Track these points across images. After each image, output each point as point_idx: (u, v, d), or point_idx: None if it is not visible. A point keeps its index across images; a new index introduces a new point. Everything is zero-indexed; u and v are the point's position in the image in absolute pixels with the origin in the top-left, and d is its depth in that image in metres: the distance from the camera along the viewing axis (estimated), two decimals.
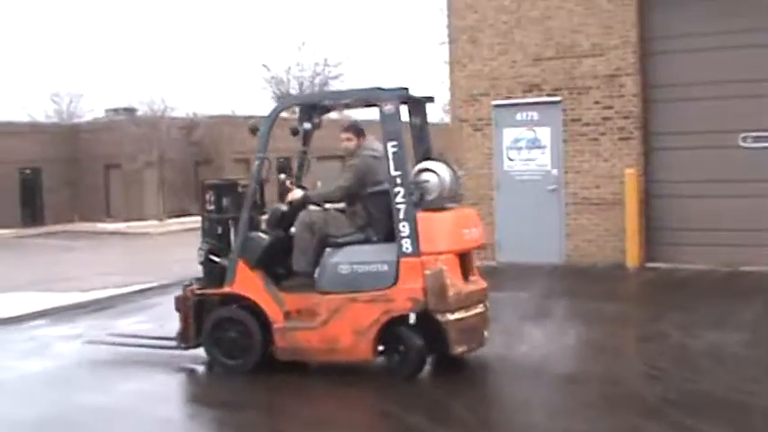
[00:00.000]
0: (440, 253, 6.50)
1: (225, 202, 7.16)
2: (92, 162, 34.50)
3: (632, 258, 11.47)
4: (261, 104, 45.69)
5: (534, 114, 12.31)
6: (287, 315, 6.87)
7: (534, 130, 12.30)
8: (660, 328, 7.95)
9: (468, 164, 12.41)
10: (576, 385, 6.41)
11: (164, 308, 9.97)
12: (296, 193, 7.07)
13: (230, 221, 7.17)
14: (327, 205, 7.17)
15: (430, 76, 75.30)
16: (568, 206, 12.05)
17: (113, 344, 7.80)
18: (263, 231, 7.07)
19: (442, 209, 6.73)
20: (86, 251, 23.01)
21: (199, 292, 7.16)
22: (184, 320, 7.23)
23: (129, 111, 34.93)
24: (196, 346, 7.17)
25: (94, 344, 7.94)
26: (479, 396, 6.41)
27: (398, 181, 6.50)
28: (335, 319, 6.64)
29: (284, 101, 7.01)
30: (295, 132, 7.46)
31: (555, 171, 12.21)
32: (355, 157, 6.98)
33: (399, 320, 6.53)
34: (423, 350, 6.49)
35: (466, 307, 6.62)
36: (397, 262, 6.51)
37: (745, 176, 10.86)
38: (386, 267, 6.55)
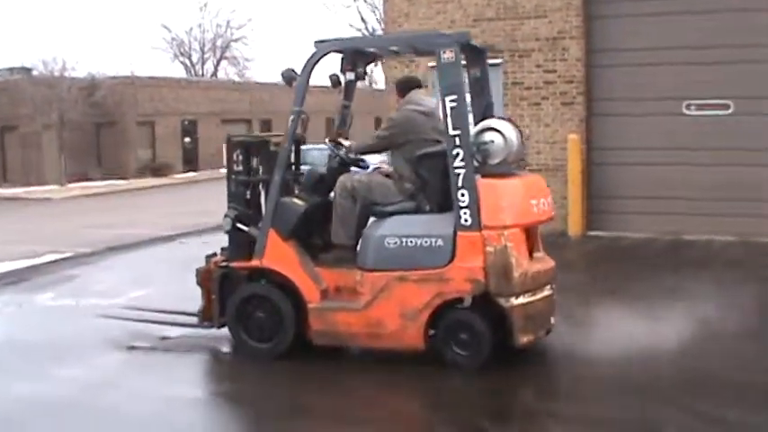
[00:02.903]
0: (505, 227, 5.56)
1: (254, 162, 6.25)
2: None
3: (574, 226, 11.03)
4: (160, 65, 44.36)
5: None
6: (324, 294, 6.00)
7: None
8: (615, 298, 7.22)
9: None
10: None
11: (83, 280, 9.43)
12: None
13: (260, 185, 6.27)
14: (372, 169, 6.25)
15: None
16: None
17: (129, 319, 6.98)
18: (297, 197, 6.16)
19: (508, 175, 5.77)
20: None
21: (224, 264, 6.29)
22: (207, 297, 6.38)
23: (26, 70, 32.85)
24: (221, 326, 6.32)
25: (109, 318, 7.11)
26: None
27: (457, 141, 5.56)
28: (380, 300, 5.75)
29: (324, 46, 5.99)
30: (336, 83, 6.50)
31: None
32: (396, 111, 6.05)
33: (455, 304, 5.64)
34: (490, 339, 5.59)
35: (532, 290, 5.69)
36: (454, 236, 5.60)
37: (688, 144, 10.61)
38: (441, 242, 5.63)
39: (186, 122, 33.69)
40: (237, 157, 6.24)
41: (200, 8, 54.41)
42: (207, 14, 59.18)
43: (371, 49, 6.45)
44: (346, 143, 6.29)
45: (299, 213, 6.05)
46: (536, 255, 5.93)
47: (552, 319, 5.97)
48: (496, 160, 5.68)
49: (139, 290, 8.61)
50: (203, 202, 19.20)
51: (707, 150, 10.52)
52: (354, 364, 6.06)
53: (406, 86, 6.18)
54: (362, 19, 47.39)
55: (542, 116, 11.38)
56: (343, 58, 6.29)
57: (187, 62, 47.69)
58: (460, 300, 5.66)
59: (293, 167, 6.35)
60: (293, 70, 5.98)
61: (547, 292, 5.86)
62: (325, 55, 5.98)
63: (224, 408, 5.52)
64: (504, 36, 11.50)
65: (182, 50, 47.06)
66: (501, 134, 5.68)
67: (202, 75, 46.32)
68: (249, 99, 37.13)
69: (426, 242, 5.67)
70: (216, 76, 46.01)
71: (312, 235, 6.25)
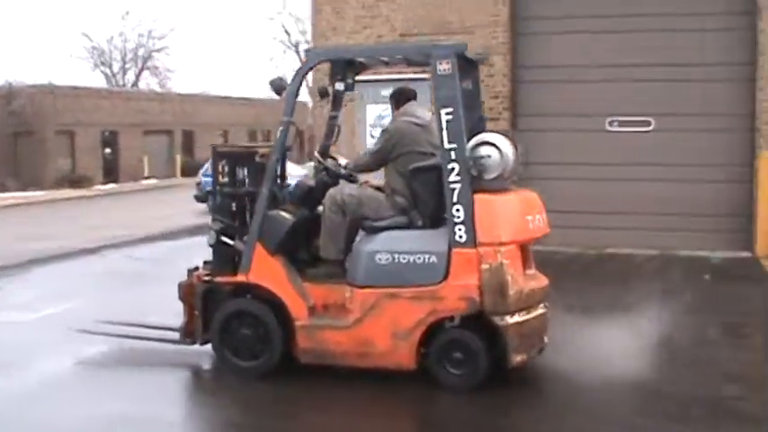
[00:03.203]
0: (501, 244, 5.42)
1: (241, 173, 6.04)
2: None
3: None
4: (80, 75, 43.29)
5: None
6: (312, 310, 5.81)
7: None
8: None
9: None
10: None
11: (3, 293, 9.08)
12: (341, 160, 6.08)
13: (246, 197, 6.07)
14: (362, 181, 6.08)
15: (259, 53, 73.67)
16: None
17: (105, 333, 6.71)
18: (285, 210, 5.97)
19: (503, 190, 5.63)
20: None
21: (207, 279, 6.07)
22: (189, 312, 6.16)
23: None
24: (204, 343, 6.10)
25: (83, 332, 6.85)
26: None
27: (453, 156, 5.41)
28: (371, 317, 5.58)
29: (316, 54, 5.82)
30: (324, 94, 6.33)
31: None
32: (390, 124, 5.90)
33: (445, 322, 5.50)
34: (485, 358, 5.44)
35: (527, 308, 5.55)
36: (449, 253, 5.44)
37: (610, 160, 10.86)
38: (434, 259, 5.47)
39: (107, 133, 32.74)
40: (223, 168, 6.04)
41: (121, 17, 53.57)
42: (128, 23, 58.10)
43: (365, 59, 6.28)
44: (342, 161, 6.15)
45: (287, 227, 5.86)
46: (529, 272, 5.80)
47: (545, 338, 5.83)
48: (492, 175, 5.54)
49: (67, 302, 8.38)
50: (124, 215, 18.93)
51: (629, 166, 10.76)
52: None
53: (401, 98, 6.03)
54: (286, 31, 47.42)
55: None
56: (333, 68, 6.13)
57: (108, 71, 46.41)
58: (451, 318, 5.51)
59: (281, 179, 6.16)
60: (282, 79, 5.80)
61: (541, 310, 5.72)
62: (317, 64, 5.82)
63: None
64: None
65: (102, 60, 45.94)
66: (497, 148, 5.54)
67: (123, 85, 45.22)
68: (171, 110, 36.41)
69: (419, 259, 5.51)
70: (137, 87, 45.01)
71: (299, 249, 6.06)
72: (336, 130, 6.55)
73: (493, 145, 5.55)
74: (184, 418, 5.50)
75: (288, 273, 5.85)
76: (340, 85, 6.20)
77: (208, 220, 6.82)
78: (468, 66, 6.08)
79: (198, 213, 17.79)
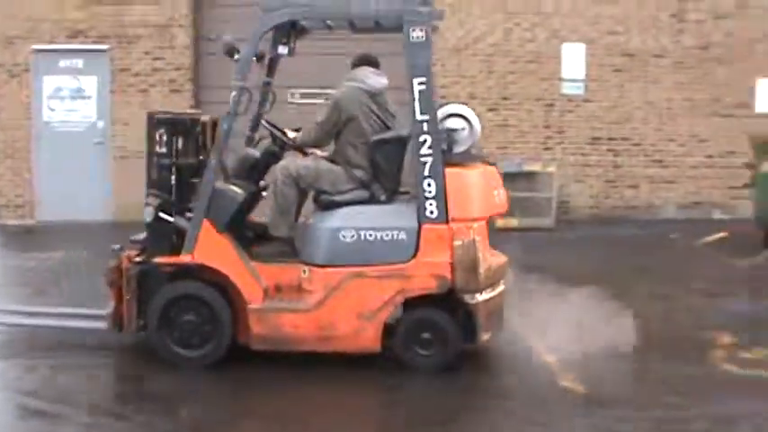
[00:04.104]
0: (473, 219, 5.25)
1: (181, 142, 5.47)
2: None
3: None
4: None
5: (79, 62, 11.58)
6: (266, 293, 5.38)
7: (78, 79, 11.58)
8: None
9: (1, 114, 11.53)
10: None
11: None
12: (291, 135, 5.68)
13: (186, 168, 5.51)
14: (318, 153, 5.70)
15: None
16: (115, 160, 11.46)
17: (15, 325, 5.94)
18: (234, 184, 5.48)
19: (469, 164, 5.45)
20: None
21: (143, 261, 5.47)
22: (117, 298, 5.53)
23: None
24: (137, 331, 5.51)
25: None
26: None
27: (425, 128, 5.16)
28: (334, 299, 5.25)
29: (274, 16, 5.33)
30: (259, 58, 5.82)
31: (101, 123, 11.61)
32: (337, 89, 5.55)
33: (417, 301, 5.27)
34: (456, 337, 5.26)
35: (492, 285, 5.43)
36: (419, 229, 5.21)
37: None
38: (403, 235, 5.22)
39: None
40: (161, 137, 5.44)
41: None
42: None
43: (306, 23, 5.81)
44: (291, 135, 5.70)
45: (238, 202, 5.39)
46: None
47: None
48: (462, 148, 5.36)
49: None
50: None
51: None
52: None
53: (354, 62, 5.65)
54: None
55: (150, 103, 11.04)
56: (280, 30, 5.62)
57: None
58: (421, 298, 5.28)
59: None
60: (233, 42, 5.29)
61: (501, 287, 5.62)
62: (276, 25, 5.35)
63: None
64: (112, 22, 11.40)
65: None
66: (467, 120, 5.36)
67: None
68: None
69: (387, 235, 5.23)
70: None
71: (243, 226, 5.61)
72: (271, 97, 6.10)
73: (462, 117, 5.36)
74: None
75: (238, 252, 5.38)
76: (283, 50, 5.71)
77: None
78: None
79: None
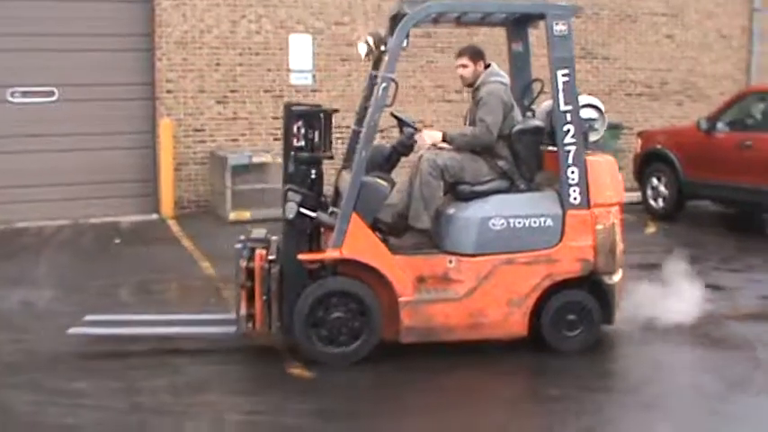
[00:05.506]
0: (612, 204, 5.52)
1: (320, 136, 5.36)
2: None
3: None
4: None
5: None
6: (416, 285, 5.37)
7: None
8: None
9: None
10: None
11: None
12: (433, 135, 5.60)
13: (320, 162, 5.40)
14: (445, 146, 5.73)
15: None
16: None
17: (108, 334, 5.57)
18: (379, 177, 5.43)
19: (596, 153, 5.72)
20: None
21: (285, 258, 5.29)
22: (257, 299, 5.30)
23: None
24: (287, 333, 5.34)
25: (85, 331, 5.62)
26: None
27: (568, 118, 5.37)
28: (485, 287, 5.34)
29: (424, 9, 5.35)
30: (370, 51, 5.79)
31: None
32: (484, 86, 5.62)
33: (561, 286, 5.46)
34: (600, 317, 5.52)
35: (621, 267, 5.72)
36: (563, 215, 5.41)
37: (13, 132, 10.41)
38: (550, 222, 5.40)
39: None
40: (299, 130, 5.31)
41: None
42: None
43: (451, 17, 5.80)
44: (437, 135, 5.64)
45: (386, 195, 5.34)
46: None
47: None
48: (595, 138, 5.61)
49: None
50: None
51: (33, 137, 10.40)
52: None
53: (480, 53, 5.74)
54: None
55: None
56: (393, 23, 5.63)
57: None
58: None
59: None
60: (380, 34, 5.28)
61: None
62: (428, 16, 5.38)
63: None
64: None
65: None
66: (599, 111, 5.61)
67: None
68: None
69: (535, 222, 5.39)
70: None
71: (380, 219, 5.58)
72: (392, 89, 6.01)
73: (595, 108, 5.61)
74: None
75: (385, 246, 5.35)
76: (405, 43, 5.70)
77: None
78: (521, 26, 6.03)
79: None
